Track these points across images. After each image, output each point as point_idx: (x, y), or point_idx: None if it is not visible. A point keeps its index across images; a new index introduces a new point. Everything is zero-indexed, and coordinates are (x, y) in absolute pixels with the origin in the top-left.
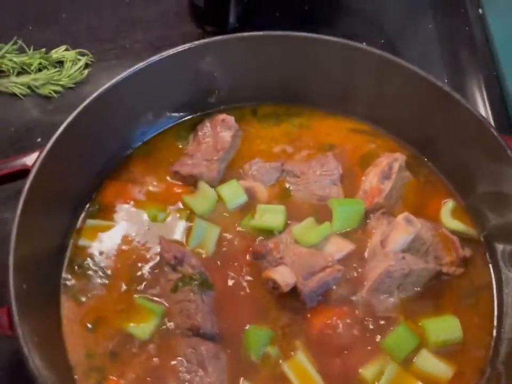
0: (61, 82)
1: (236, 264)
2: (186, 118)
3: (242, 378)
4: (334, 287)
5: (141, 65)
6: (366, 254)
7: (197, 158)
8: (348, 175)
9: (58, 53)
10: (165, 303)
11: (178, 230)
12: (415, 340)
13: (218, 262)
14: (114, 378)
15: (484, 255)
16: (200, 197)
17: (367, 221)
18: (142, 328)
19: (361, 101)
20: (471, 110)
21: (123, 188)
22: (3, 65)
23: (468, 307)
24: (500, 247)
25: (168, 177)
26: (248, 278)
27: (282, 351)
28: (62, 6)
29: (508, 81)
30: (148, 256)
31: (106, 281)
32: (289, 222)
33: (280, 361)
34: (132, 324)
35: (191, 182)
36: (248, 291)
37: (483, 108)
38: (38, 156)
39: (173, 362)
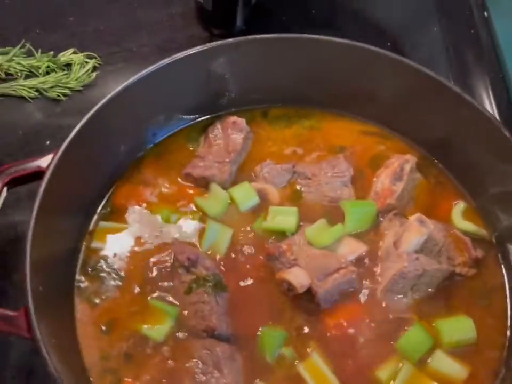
0: (69, 85)
1: (249, 265)
2: (197, 120)
3: (257, 379)
4: (347, 288)
5: (153, 67)
6: (378, 255)
7: (209, 160)
8: (359, 176)
9: (66, 56)
10: (179, 305)
11: (191, 232)
12: (430, 340)
13: (231, 264)
14: (129, 380)
15: (496, 256)
16: (212, 199)
17: (379, 222)
18: (156, 330)
19: (371, 103)
20: (482, 111)
21: (135, 189)
22: (11, 68)
23: (481, 308)
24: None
25: (179, 179)
26: (262, 279)
27: (297, 352)
28: (69, 10)
29: None
30: (161, 257)
31: (120, 283)
32: (301, 223)
33: (296, 362)
34: (146, 326)
35: (202, 184)
36: (262, 292)
37: (490, 110)
38: (53, 158)
39: (188, 364)
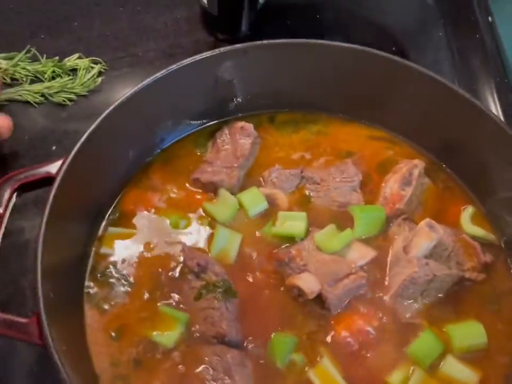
0: (74, 90)
1: (258, 271)
2: (204, 126)
3: None
4: (358, 293)
5: (161, 73)
6: (388, 260)
7: (217, 165)
8: (367, 181)
9: (72, 61)
10: (188, 311)
11: (199, 237)
12: (440, 346)
13: (241, 269)
14: None
15: (505, 260)
16: (221, 204)
17: (388, 227)
18: (166, 336)
19: (378, 107)
20: (491, 116)
21: (143, 195)
22: (16, 74)
23: (491, 313)
24: None
25: (187, 185)
26: (271, 284)
27: (307, 358)
28: (74, 14)
29: None
30: (170, 263)
31: (129, 289)
32: (310, 228)
33: (306, 368)
34: (156, 332)
35: (211, 189)
36: (272, 298)
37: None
38: (62, 164)
39: (198, 370)
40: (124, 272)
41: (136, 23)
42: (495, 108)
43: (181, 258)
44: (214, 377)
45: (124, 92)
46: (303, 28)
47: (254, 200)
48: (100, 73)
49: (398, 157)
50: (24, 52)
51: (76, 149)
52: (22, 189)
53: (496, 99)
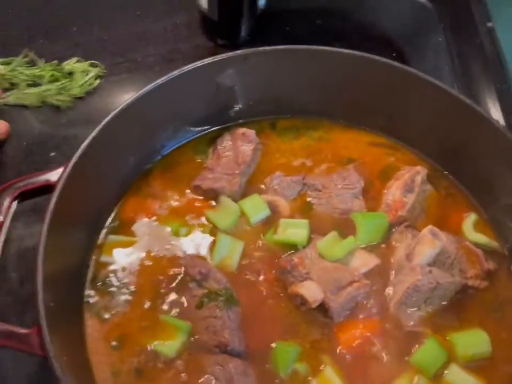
0: (72, 92)
1: (260, 279)
2: (205, 132)
3: None
4: (361, 301)
5: (162, 80)
6: (391, 268)
7: (218, 172)
8: (368, 188)
9: (70, 64)
10: (190, 320)
11: (201, 245)
12: (444, 354)
13: (243, 277)
14: None
15: (508, 268)
16: (222, 212)
17: (390, 235)
18: (168, 346)
19: (378, 114)
20: (493, 122)
21: (143, 202)
22: (14, 78)
23: (494, 321)
24: None
25: (188, 192)
26: (274, 293)
27: (311, 367)
28: (73, 19)
29: None
30: (172, 271)
31: (130, 298)
32: (312, 236)
33: (309, 378)
34: (157, 342)
35: (212, 196)
36: (274, 306)
37: None
38: (63, 172)
39: (201, 380)
40: (125, 280)
41: (135, 28)
42: (495, 113)
43: (182, 267)
44: None
45: (123, 97)
46: (303, 33)
47: (255, 207)
48: (98, 77)
49: (399, 163)
50: (22, 56)
51: (76, 156)
52: (21, 197)
53: (496, 104)
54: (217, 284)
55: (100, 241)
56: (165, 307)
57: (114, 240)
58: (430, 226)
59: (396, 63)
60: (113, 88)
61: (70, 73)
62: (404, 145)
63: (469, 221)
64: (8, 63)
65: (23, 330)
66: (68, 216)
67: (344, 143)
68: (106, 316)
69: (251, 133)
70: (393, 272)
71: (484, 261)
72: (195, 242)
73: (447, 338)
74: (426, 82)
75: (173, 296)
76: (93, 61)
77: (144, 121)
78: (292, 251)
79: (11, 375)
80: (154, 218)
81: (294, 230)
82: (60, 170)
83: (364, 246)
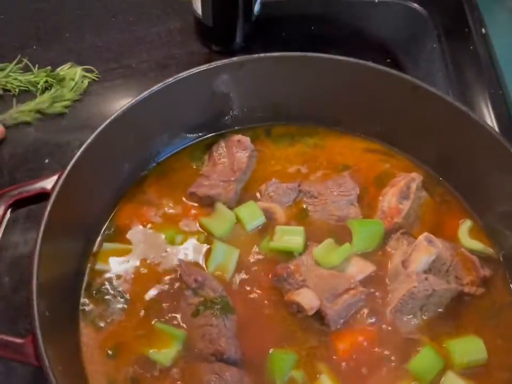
0: (66, 98)
1: (256, 286)
2: (200, 139)
3: None
4: (357, 308)
5: (158, 86)
6: (387, 275)
7: (214, 179)
8: (363, 195)
9: (64, 70)
10: (186, 328)
11: (196, 253)
12: (441, 361)
13: (239, 285)
14: None
15: (504, 274)
16: (217, 219)
17: (386, 242)
18: (163, 354)
19: (373, 120)
20: (487, 128)
21: (138, 210)
22: (8, 84)
23: (490, 328)
24: None
25: (184, 199)
26: (270, 300)
27: (307, 375)
28: (66, 25)
29: None
30: (167, 279)
31: (125, 306)
32: (308, 243)
33: None
34: (152, 350)
35: (207, 203)
36: (270, 314)
37: None
38: (58, 179)
39: None
40: (120, 288)
41: (128, 33)
42: (489, 119)
43: (178, 274)
44: None
45: (117, 103)
46: (298, 39)
47: (251, 214)
48: (89, 79)
49: (394, 170)
50: (15, 62)
51: (71, 164)
52: (16, 205)
53: (490, 110)
54: (213, 292)
55: (95, 248)
56: (161, 315)
57: (110, 248)
58: (425, 233)
59: (390, 70)
60: (107, 94)
61: (64, 79)
62: (399, 151)
63: (464, 227)
64: (1, 69)
65: (18, 340)
66: (63, 223)
67: (340, 149)
68: (102, 324)
69: (246, 139)
70: (389, 279)
71: (479, 268)
72: (190, 250)
73: (443, 345)
74: (421, 89)
75: (168, 304)
76: (86, 67)
77: (139, 128)
78: (288, 258)
79: None
80: (149, 225)
81: (290, 237)
82: (55, 177)
83: (360, 253)
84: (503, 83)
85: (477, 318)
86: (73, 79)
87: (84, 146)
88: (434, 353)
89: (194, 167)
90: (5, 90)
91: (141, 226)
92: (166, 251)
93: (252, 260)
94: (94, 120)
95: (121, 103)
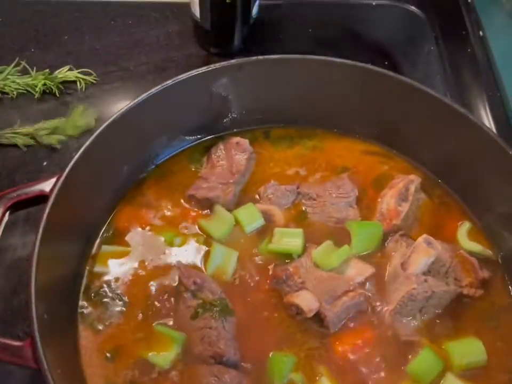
0: (66, 133)
1: (255, 289)
2: (199, 141)
3: None
4: (356, 310)
5: (156, 89)
6: (386, 277)
7: (212, 181)
8: (362, 197)
9: (62, 73)
10: (184, 330)
11: (195, 255)
12: (440, 363)
13: (238, 287)
14: None
15: (503, 276)
16: (216, 221)
17: (385, 243)
18: (162, 357)
19: (373, 122)
20: (486, 131)
21: (137, 212)
22: (6, 87)
23: (490, 330)
24: None
25: (182, 201)
26: (269, 302)
27: (306, 377)
28: (64, 28)
29: (511, 102)
30: (166, 282)
31: (124, 309)
32: (306, 245)
33: None
34: (151, 353)
35: (206, 205)
36: (269, 316)
37: None
38: (56, 182)
39: None
40: (118, 291)
41: (127, 36)
42: (487, 121)
43: (177, 277)
44: None
45: (115, 106)
46: (296, 42)
47: (250, 216)
48: (91, 83)
49: (393, 171)
50: (13, 65)
51: (69, 166)
52: (14, 207)
53: (488, 112)
54: (212, 294)
55: (93, 251)
56: (159, 318)
57: (108, 250)
58: (424, 235)
59: (389, 72)
60: (106, 97)
61: (62, 83)
62: (397, 153)
63: (463, 229)
64: (0, 72)
65: (16, 343)
66: (62, 226)
67: (338, 151)
68: (100, 327)
69: (245, 142)
70: (388, 281)
71: (478, 270)
72: (189, 252)
73: (443, 347)
74: (419, 91)
75: (167, 306)
76: (85, 69)
77: (138, 131)
78: (287, 260)
79: None
80: (148, 228)
81: (288, 239)
82: (53, 180)
83: (358, 255)
84: (501, 85)
85: (476, 319)
86: (81, 113)
87: (82, 148)
88: (433, 355)
89: (193, 169)
90: (3, 93)
91: (139, 229)
92: (165, 253)
93: (250, 262)
94: (92, 124)
95: (119, 105)
